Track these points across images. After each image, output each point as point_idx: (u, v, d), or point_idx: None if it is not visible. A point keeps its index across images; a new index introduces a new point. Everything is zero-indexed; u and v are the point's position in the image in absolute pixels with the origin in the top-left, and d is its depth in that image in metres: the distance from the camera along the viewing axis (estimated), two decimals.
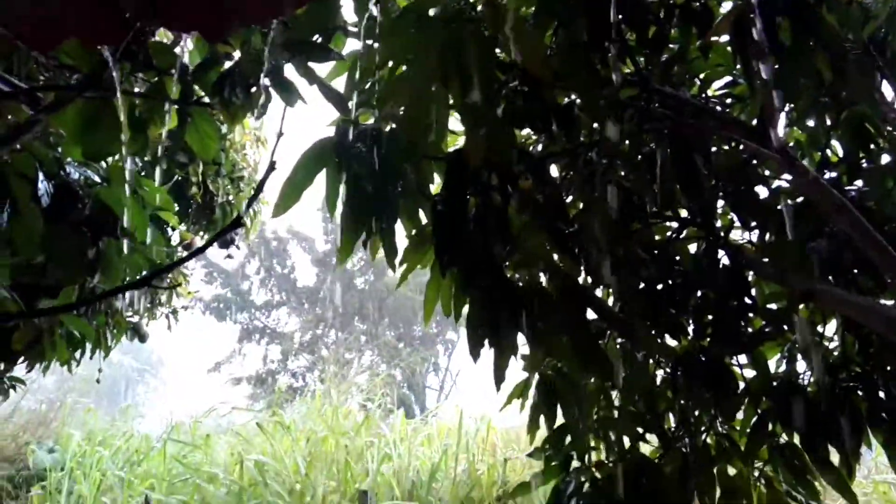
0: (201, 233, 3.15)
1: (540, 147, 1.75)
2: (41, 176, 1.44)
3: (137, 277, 1.91)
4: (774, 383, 2.07)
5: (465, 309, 1.52)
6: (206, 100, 1.43)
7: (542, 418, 2.07)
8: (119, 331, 3.19)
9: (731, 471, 2.13)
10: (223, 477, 5.64)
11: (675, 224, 2.11)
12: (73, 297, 1.82)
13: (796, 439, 2.01)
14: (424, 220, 1.41)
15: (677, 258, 1.98)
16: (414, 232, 1.40)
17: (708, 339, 2.05)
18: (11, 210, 1.34)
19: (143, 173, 2.13)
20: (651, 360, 2.10)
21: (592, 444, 2.08)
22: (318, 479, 5.30)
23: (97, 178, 1.66)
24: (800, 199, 1.94)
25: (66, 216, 1.54)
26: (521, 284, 1.39)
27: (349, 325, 23.37)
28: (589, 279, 1.65)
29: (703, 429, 2.08)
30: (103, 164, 1.82)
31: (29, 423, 7.72)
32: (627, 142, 1.56)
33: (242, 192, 3.17)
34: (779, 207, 1.88)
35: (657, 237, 2.05)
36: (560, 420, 2.07)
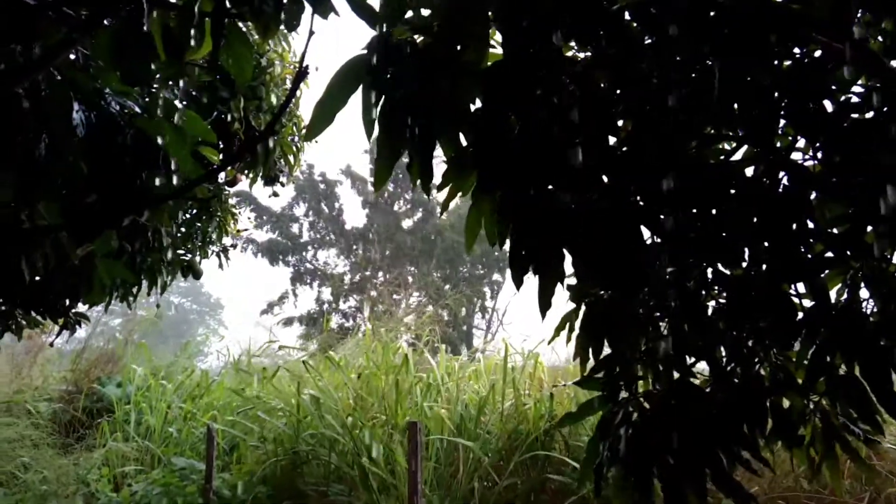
0: (246, 171, 3.18)
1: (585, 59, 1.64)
2: (76, 106, 1.45)
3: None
4: (834, 312, 1.97)
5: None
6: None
7: (589, 349, 2.05)
8: (174, 268, 3.29)
9: (785, 403, 2.07)
10: (280, 409, 5.92)
11: (730, 145, 1.98)
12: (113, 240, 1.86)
13: (857, 372, 1.92)
14: (465, 143, 1.35)
15: (734, 180, 1.86)
16: (453, 154, 1.34)
17: (764, 266, 1.95)
18: (49, 142, 1.36)
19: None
20: (703, 289, 2.02)
21: (640, 374, 2.05)
22: (368, 413, 5.50)
23: (137, 109, 1.67)
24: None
25: (106, 148, 1.55)
26: (567, 207, 1.33)
27: (397, 267, 23.72)
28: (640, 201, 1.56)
29: (756, 360, 2.02)
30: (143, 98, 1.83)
31: (98, 360, 8.24)
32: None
33: (284, 126, 3.16)
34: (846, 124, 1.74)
35: (712, 159, 1.93)
36: (607, 350, 2.04)
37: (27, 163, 1.36)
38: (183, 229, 3.37)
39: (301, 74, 1.11)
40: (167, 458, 5.96)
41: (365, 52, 1.22)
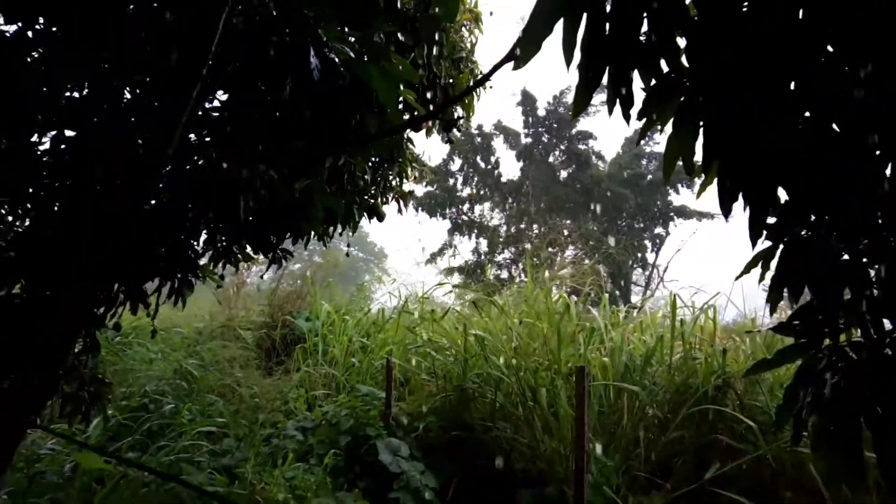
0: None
1: None
2: (312, 52, 1.63)
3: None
4: None
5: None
6: None
7: (783, 292, 1.91)
8: (360, 209, 3.59)
9: None
10: (448, 348, 6.29)
11: None
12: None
13: None
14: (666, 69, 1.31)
15: None
16: (654, 81, 1.31)
17: None
18: (292, 85, 1.55)
19: None
20: None
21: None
22: (531, 357, 5.64)
23: (352, 55, 1.83)
24: None
25: (332, 90, 1.73)
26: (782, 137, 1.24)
27: (553, 219, 23.49)
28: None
29: None
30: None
31: (289, 296, 9.35)
32: None
33: (462, 73, 3.25)
34: None
35: None
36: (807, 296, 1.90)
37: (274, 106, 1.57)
38: (367, 176, 3.63)
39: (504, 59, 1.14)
40: (350, 384, 6.65)
41: None
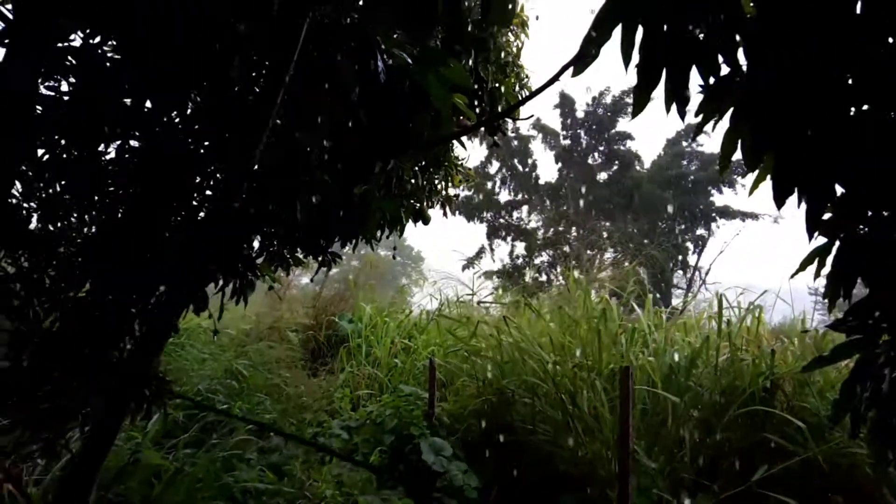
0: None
1: None
2: (378, 56, 1.72)
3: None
4: None
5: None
6: None
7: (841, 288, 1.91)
8: (406, 213, 3.67)
9: None
10: (486, 350, 6.35)
11: None
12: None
13: None
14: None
15: None
16: (712, 80, 1.35)
17: None
18: (360, 89, 1.65)
19: None
20: None
21: None
22: (572, 360, 5.64)
23: (409, 61, 1.91)
24: None
25: (394, 94, 1.82)
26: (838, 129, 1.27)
27: (591, 221, 23.29)
28: None
29: None
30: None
31: (332, 299, 9.58)
32: None
33: (508, 77, 3.31)
34: None
35: None
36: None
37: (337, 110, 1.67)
38: (413, 180, 3.71)
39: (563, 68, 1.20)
40: (394, 385, 6.77)
41: None
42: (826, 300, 1.98)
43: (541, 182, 25.92)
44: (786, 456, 4.35)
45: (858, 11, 1.22)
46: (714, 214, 23.99)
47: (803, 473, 4.25)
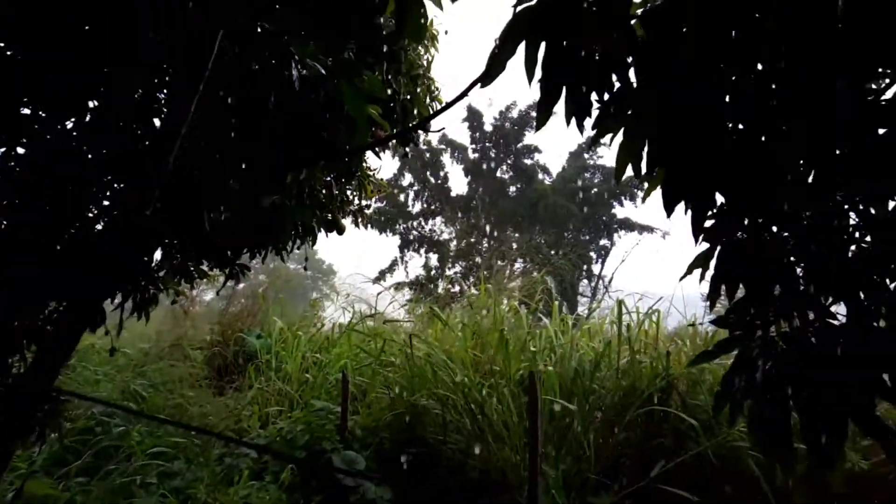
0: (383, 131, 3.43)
1: None
2: (293, 65, 1.72)
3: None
4: None
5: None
6: None
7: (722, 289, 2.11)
8: (319, 223, 3.64)
9: None
10: (396, 363, 6.38)
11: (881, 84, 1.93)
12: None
13: None
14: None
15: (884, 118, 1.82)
16: (607, 97, 1.46)
17: None
18: (275, 100, 1.63)
19: None
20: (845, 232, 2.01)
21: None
22: (482, 369, 5.77)
23: (323, 71, 1.91)
24: None
25: (310, 103, 1.81)
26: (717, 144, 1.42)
27: (502, 233, 23.88)
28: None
29: None
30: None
31: (240, 314, 9.22)
32: None
33: (419, 89, 3.37)
34: None
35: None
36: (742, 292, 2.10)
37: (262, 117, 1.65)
38: (325, 190, 3.69)
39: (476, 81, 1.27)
40: (305, 400, 6.61)
41: (531, 4, 1.36)
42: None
43: (452, 194, 26.32)
44: (680, 451, 4.65)
45: (734, 37, 1.37)
46: (616, 226, 25.34)
47: (696, 467, 4.56)
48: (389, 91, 2.96)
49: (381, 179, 4.77)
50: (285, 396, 6.97)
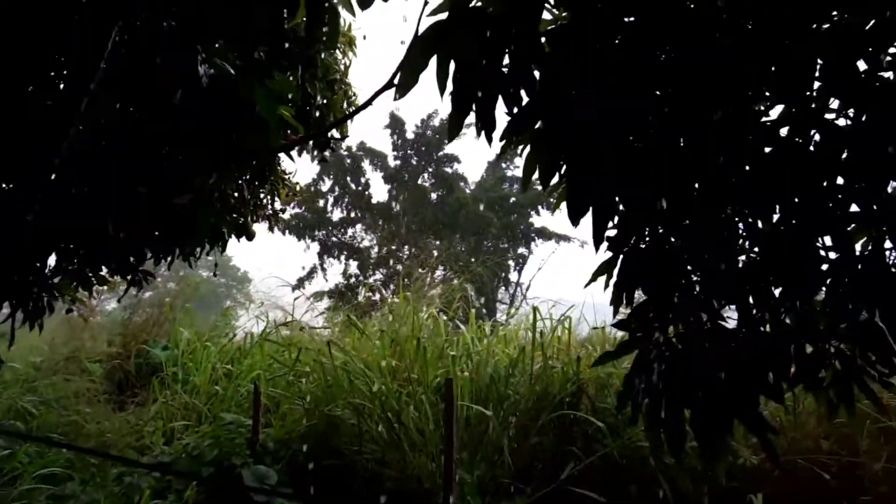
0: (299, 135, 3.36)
1: None
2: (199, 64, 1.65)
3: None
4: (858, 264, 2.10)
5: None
6: None
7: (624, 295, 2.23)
8: (229, 228, 3.51)
9: (808, 348, 2.22)
10: (312, 373, 6.25)
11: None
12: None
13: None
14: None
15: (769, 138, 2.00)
16: (515, 110, 1.52)
17: (794, 220, 2.09)
18: (183, 93, 1.56)
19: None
20: (736, 241, 2.18)
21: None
22: (400, 376, 5.76)
23: (232, 71, 1.86)
24: None
25: (219, 102, 1.75)
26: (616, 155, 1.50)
27: (423, 241, 23.97)
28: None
29: (782, 308, 2.17)
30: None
31: (145, 324, 8.71)
32: None
33: (336, 94, 3.34)
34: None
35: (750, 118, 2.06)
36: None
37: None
38: (237, 193, 3.57)
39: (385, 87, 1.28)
40: (214, 413, 6.33)
41: (442, 18, 1.39)
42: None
43: (373, 201, 26.16)
44: (589, 453, 4.84)
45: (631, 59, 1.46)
46: (533, 235, 26.06)
47: (604, 468, 4.76)
48: (304, 96, 2.92)
49: (298, 184, 4.68)
50: (192, 410, 6.65)
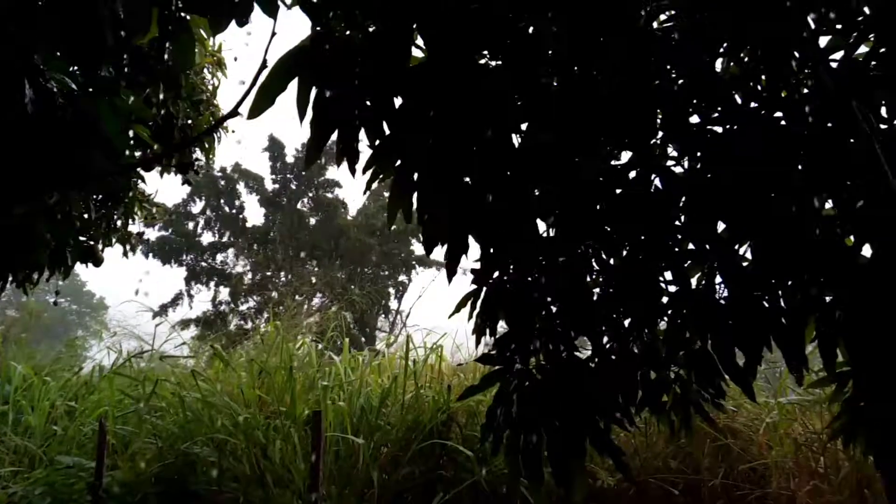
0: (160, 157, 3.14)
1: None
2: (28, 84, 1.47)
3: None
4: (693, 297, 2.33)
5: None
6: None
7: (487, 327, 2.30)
8: (74, 252, 3.19)
9: (653, 375, 2.41)
10: (168, 410, 5.78)
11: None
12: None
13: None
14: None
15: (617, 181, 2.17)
16: (378, 142, 1.52)
17: (640, 257, 2.27)
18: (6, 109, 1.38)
19: None
20: (588, 275, 2.33)
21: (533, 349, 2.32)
22: (268, 409, 5.48)
23: (74, 87, 1.69)
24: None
25: (51, 123, 1.57)
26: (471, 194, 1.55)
27: (301, 267, 23.31)
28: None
29: (630, 337, 2.34)
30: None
31: None
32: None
33: (202, 115, 3.17)
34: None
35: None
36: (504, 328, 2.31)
37: None
38: (86, 214, 3.26)
39: (261, 67, 1.24)
40: (50, 457, 5.61)
41: (304, 43, 1.37)
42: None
43: (248, 225, 25.09)
44: (458, 482, 4.87)
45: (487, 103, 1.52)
46: (414, 262, 26.27)
47: (472, 497, 4.81)
48: (163, 113, 2.74)
49: (162, 205, 4.38)
50: (25, 454, 5.85)
